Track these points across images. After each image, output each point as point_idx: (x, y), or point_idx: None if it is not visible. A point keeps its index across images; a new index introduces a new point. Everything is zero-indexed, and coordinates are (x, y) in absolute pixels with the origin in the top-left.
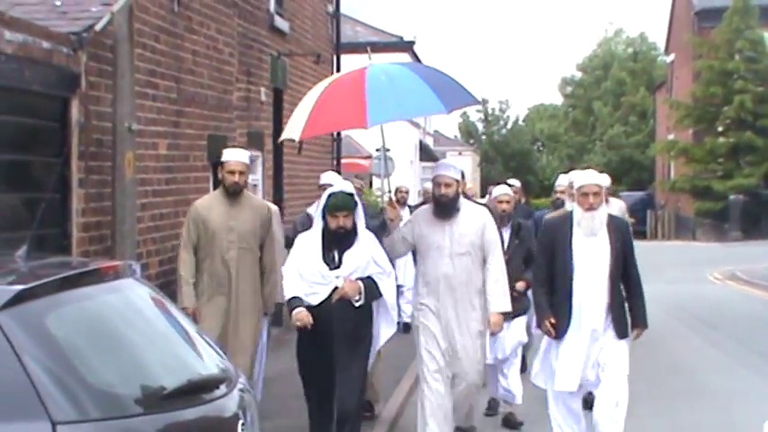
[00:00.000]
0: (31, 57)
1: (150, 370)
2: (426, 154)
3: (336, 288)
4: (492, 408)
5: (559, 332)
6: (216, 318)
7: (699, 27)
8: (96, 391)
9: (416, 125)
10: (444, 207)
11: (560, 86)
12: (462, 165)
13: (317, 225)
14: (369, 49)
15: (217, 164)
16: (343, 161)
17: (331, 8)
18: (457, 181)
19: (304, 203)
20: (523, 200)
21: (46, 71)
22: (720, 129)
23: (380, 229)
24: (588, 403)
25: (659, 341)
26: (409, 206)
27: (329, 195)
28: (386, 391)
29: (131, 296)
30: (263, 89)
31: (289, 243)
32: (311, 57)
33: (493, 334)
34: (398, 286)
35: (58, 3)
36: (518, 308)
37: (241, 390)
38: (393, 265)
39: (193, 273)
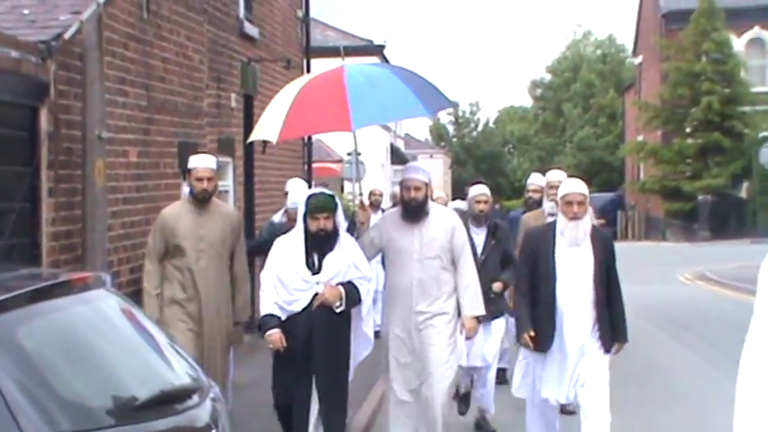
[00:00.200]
0: (0, 66)
1: (122, 381)
2: (397, 157)
3: (317, 294)
4: (464, 402)
5: (544, 345)
6: (186, 328)
7: (666, 29)
8: (68, 404)
9: (387, 128)
10: (413, 211)
11: (530, 89)
12: (433, 167)
13: (299, 228)
14: (342, 50)
15: (185, 171)
16: (314, 165)
17: (301, 13)
18: (426, 184)
19: (275, 209)
20: (497, 206)
21: (14, 80)
22: (688, 130)
23: (349, 231)
24: (563, 408)
25: (631, 342)
26: (383, 210)
27: (309, 197)
28: (357, 398)
29: (102, 307)
30: (233, 95)
31: (257, 249)
32: (281, 62)
33: (468, 338)
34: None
35: (27, 11)
36: (494, 310)
37: (213, 399)
38: None
39: (158, 284)
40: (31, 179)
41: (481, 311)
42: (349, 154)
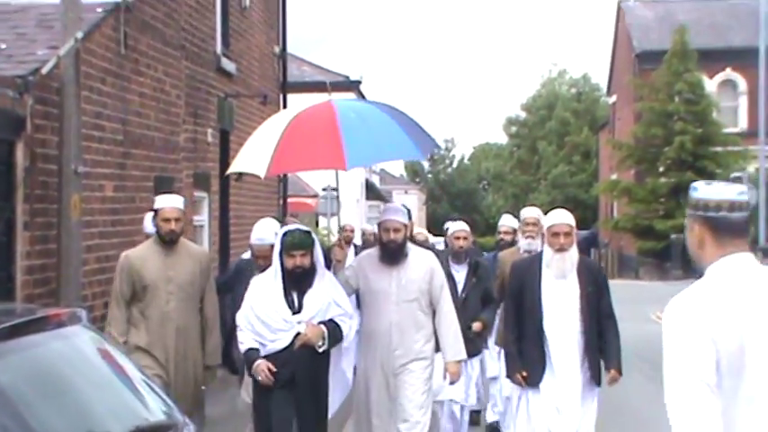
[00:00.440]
0: None
1: (98, 417)
2: (373, 193)
3: (298, 333)
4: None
5: (534, 379)
6: (152, 374)
7: (640, 69)
8: None
9: None
10: (392, 253)
11: (505, 126)
12: (408, 203)
13: (276, 268)
14: (328, 84)
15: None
16: (289, 200)
17: (278, 49)
18: (405, 225)
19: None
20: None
21: None
22: (661, 169)
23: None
24: None
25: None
26: (355, 245)
27: (284, 234)
28: None
29: (78, 343)
30: (209, 130)
31: (218, 289)
32: (258, 98)
33: (452, 383)
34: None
35: (4, 46)
36: (471, 349)
37: None
38: None
39: (124, 330)
40: (6, 213)
41: (463, 356)
42: (324, 189)
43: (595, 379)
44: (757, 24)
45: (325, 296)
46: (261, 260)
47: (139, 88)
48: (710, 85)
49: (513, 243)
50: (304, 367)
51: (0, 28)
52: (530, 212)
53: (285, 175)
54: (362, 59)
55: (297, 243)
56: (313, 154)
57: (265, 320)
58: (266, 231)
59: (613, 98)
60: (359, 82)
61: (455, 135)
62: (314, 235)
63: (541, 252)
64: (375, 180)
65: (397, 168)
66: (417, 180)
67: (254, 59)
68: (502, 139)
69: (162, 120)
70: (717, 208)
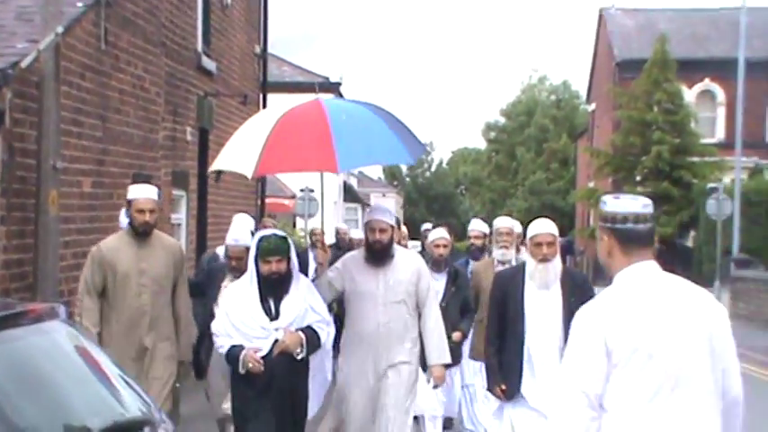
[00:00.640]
0: None
1: (76, 411)
2: (350, 195)
3: (276, 341)
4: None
5: (512, 392)
6: (127, 367)
7: (620, 77)
8: None
9: None
10: (378, 254)
11: (484, 131)
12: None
13: (251, 274)
14: (317, 87)
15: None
16: (266, 200)
17: (258, 49)
18: (392, 226)
19: None
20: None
21: None
22: (639, 178)
23: (301, 270)
24: None
25: None
26: (313, 246)
27: (260, 239)
28: None
29: (57, 338)
30: (188, 129)
31: (193, 290)
32: (238, 97)
33: (436, 387)
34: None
35: None
36: (451, 358)
37: None
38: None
39: (98, 322)
40: None
41: (448, 359)
42: (302, 190)
43: None
44: (737, 35)
45: (303, 302)
46: (234, 261)
47: (119, 84)
48: (689, 95)
49: (483, 248)
50: (282, 374)
51: None
52: (503, 222)
53: (263, 176)
54: (343, 61)
55: (273, 249)
56: (302, 155)
57: (241, 328)
58: (242, 233)
59: (593, 106)
60: (339, 84)
61: (434, 139)
62: (290, 240)
63: (524, 263)
64: (353, 182)
65: (375, 171)
66: (395, 183)
67: (234, 58)
68: (480, 144)
69: (141, 117)
70: (624, 220)
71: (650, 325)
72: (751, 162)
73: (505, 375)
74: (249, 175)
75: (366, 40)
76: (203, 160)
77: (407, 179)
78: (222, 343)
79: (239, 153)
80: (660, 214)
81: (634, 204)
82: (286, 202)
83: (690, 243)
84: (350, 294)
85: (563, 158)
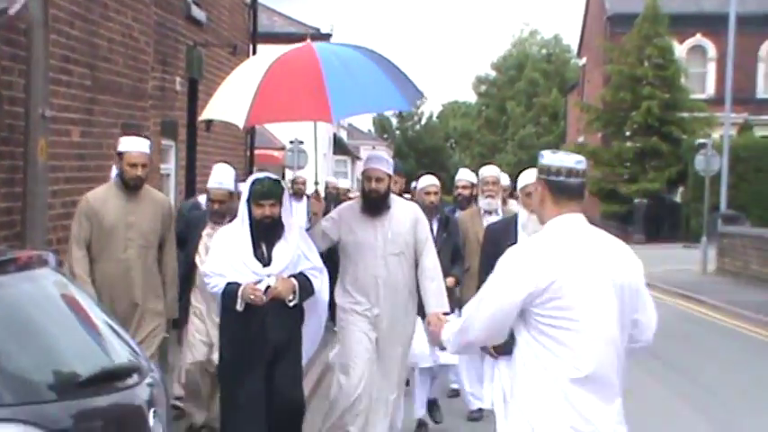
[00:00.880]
0: None
1: (64, 358)
2: (340, 147)
3: (269, 287)
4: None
5: (505, 348)
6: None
7: (611, 32)
8: (11, 377)
9: None
10: (374, 203)
11: (474, 85)
12: None
13: (243, 217)
14: (308, 39)
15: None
16: (256, 152)
17: None
18: (389, 175)
19: None
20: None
21: None
22: (628, 133)
23: None
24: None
25: None
26: (308, 196)
27: (253, 182)
28: None
29: (47, 286)
30: (178, 79)
31: (179, 241)
32: (228, 48)
33: (443, 348)
34: None
35: None
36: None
37: (151, 384)
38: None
39: (88, 269)
40: None
41: (446, 307)
42: (291, 142)
43: None
44: None
45: (295, 249)
46: (217, 204)
47: (108, 33)
48: (680, 50)
49: (470, 198)
50: (274, 321)
51: None
52: (489, 171)
53: (253, 126)
54: (333, 12)
55: (266, 192)
56: (295, 104)
57: (232, 274)
58: (225, 176)
59: (583, 60)
60: (329, 35)
61: (424, 92)
62: (283, 183)
63: (516, 214)
64: (343, 135)
65: (365, 124)
66: (385, 136)
67: (224, 8)
68: (471, 97)
69: (130, 66)
70: (557, 173)
71: (568, 270)
72: (740, 118)
73: None
74: (241, 126)
75: None
76: (192, 110)
77: (397, 132)
78: (216, 282)
79: (230, 102)
80: (649, 170)
81: (568, 159)
82: (276, 153)
83: (678, 199)
84: (346, 244)
85: (553, 113)
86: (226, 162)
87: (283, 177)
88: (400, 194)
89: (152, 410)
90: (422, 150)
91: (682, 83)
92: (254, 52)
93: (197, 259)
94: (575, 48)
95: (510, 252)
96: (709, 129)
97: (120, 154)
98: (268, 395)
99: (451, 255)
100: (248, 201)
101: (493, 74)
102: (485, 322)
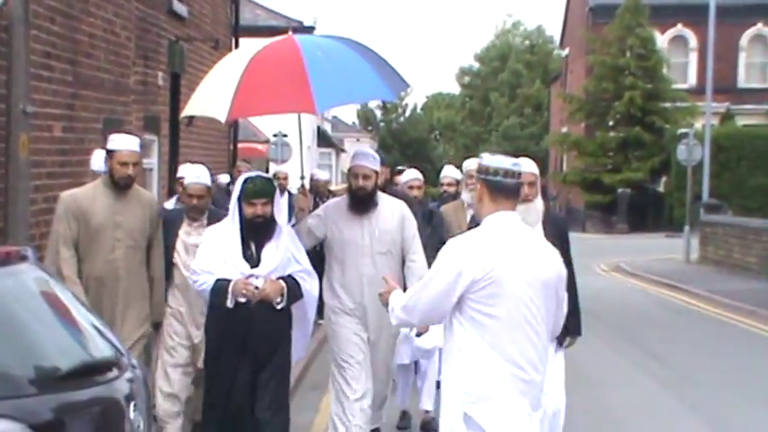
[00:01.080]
0: None
1: (45, 352)
2: (324, 140)
3: (257, 288)
4: (405, 420)
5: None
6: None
7: (593, 23)
8: None
9: None
10: (361, 201)
11: (458, 76)
12: None
13: (233, 216)
14: (291, 32)
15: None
16: (239, 145)
17: None
18: (376, 172)
19: None
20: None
21: None
22: (611, 123)
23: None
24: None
25: None
26: (289, 192)
27: (245, 180)
28: None
29: (27, 280)
30: (160, 73)
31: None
32: (210, 42)
33: (419, 335)
34: None
35: None
36: None
37: (131, 380)
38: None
39: (77, 270)
40: None
41: None
42: (275, 135)
43: (558, 340)
44: None
45: (285, 250)
46: (195, 199)
47: (89, 28)
48: (662, 40)
49: (456, 195)
50: (261, 323)
51: None
52: (472, 164)
53: (236, 120)
54: (316, 5)
55: (258, 191)
56: (278, 96)
57: (220, 275)
58: (201, 171)
59: (566, 51)
60: (312, 28)
61: (408, 83)
62: (275, 183)
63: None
64: (327, 127)
65: (349, 116)
66: (369, 128)
67: (206, 2)
68: (454, 89)
69: (112, 61)
70: (495, 173)
71: (502, 261)
72: (722, 107)
73: None
74: (223, 120)
75: None
76: (175, 105)
77: (382, 124)
78: (204, 280)
79: (212, 97)
80: (632, 160)
81: (506, 161)
82: (259, 146)
83: (661, 188)
84: (333, 243)
85: (536, 104)
86: (208, 156)
87: (267, 171)
88: (386, 184)
89: (132, 404)
90: (406, 142)
91: (664, 73)
92: (237, 46)
93: (175, 257)
94: (557, 39)
95: (452, 242)
96: (691, 118)
97: (110, 152)
98: (252, 410)
99: (437, 249)
100: (239, 199)
101: (476, 65)
102: (428, 303)
